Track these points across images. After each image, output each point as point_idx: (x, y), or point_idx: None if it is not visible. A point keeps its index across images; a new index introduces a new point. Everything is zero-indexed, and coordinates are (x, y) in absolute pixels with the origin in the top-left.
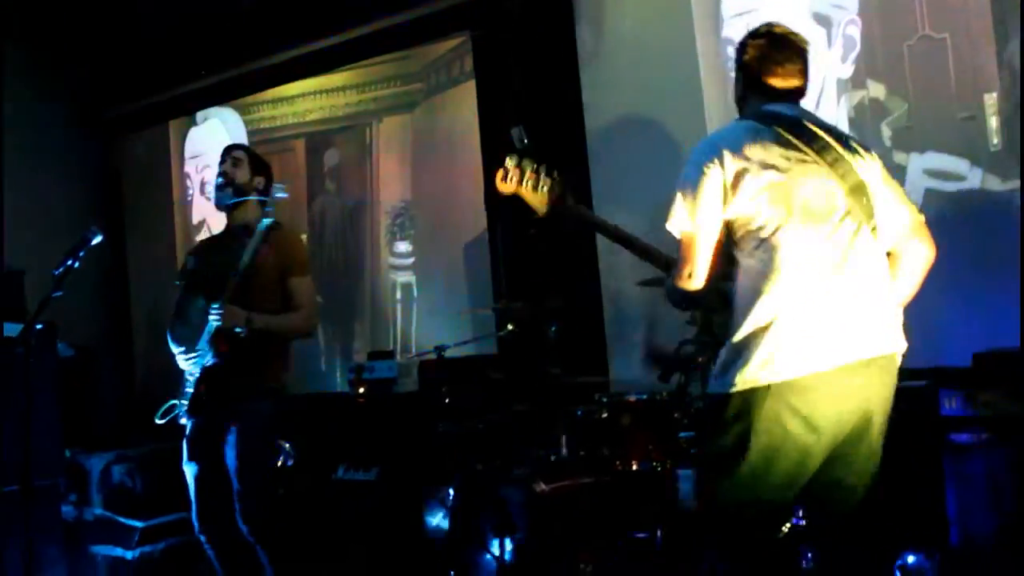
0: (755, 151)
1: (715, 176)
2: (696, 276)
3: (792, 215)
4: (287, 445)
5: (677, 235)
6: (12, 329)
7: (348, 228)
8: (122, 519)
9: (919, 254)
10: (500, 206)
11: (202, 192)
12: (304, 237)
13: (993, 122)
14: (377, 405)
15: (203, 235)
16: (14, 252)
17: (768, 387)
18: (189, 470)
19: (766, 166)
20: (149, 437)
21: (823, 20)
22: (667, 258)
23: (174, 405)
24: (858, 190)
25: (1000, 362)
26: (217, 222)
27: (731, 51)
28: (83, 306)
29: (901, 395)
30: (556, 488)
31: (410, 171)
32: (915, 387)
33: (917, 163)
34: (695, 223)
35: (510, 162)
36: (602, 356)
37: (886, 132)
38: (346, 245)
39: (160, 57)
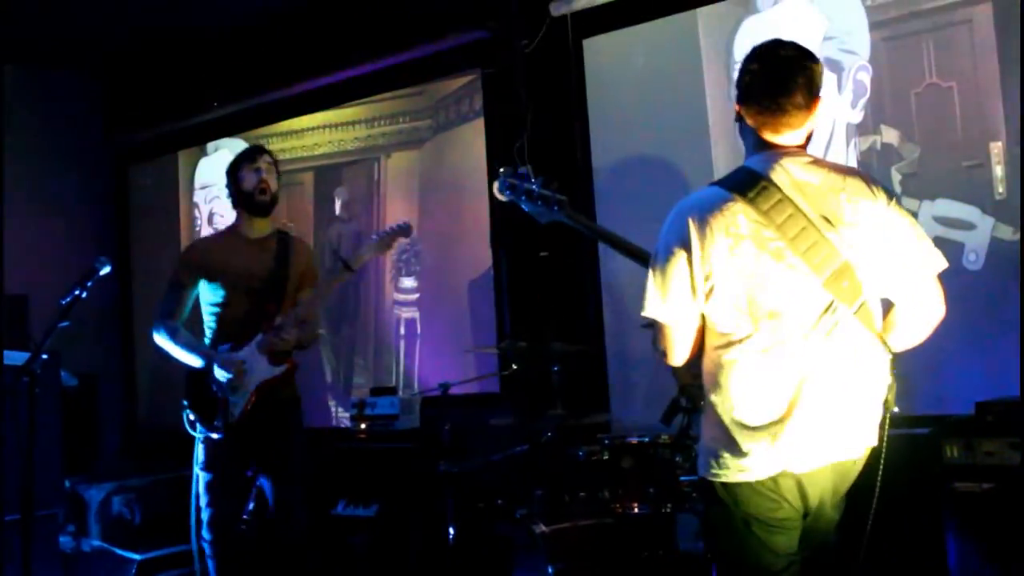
0: (723, 250)
1: (682, 269)
2: (673, 359)
3: (759, 327)
4: None
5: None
6: (16, 357)
7: None
8: (120, 551)
9: (925, 312)
10: (506, 245)
11: (210, 223)
12: None
13: (999, 171)
14: (378, 441)
15: None
16: (20, 278)
17: (739, 485)
18: (208, 474)
19: (735, 272)
20: (150, 468)
21: (834, 65)
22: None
23: (195, 422)
24: (840, 274)
25: (1003, 411)
26: None
27: None
28: (87, 334)
29: (903, 443)
30: (556, 529)
31: (417, 207)
32: (917, 435)
33: (927, 210)
34: (667, 312)
35: (511, 177)
36: (604, 397)
37: (896, 177)
38: (351, 279)
39: (172, 87)
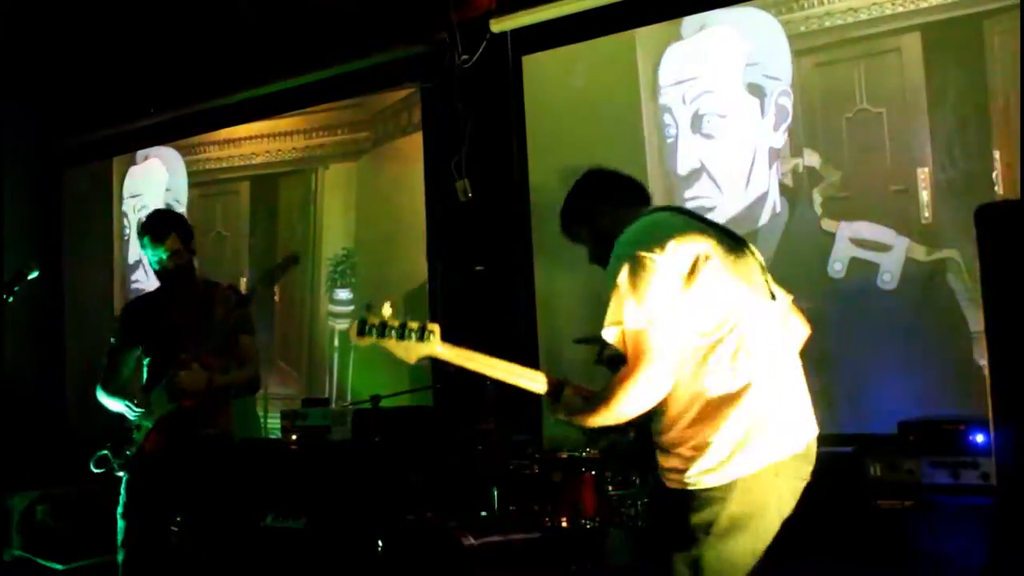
0: (694, 237)
1: (664, 263)
2: (659, 378)
3: (748, 299)
4: None
5: (614, 337)
6: None
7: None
8: (42, 561)
9: (799, 331)
10: (442, 258)
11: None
12: (243, 281)
13: (925, 196)
14: (309, 453)
15: (139, 274)
16: None
17: (735, 483)
18: (126, 521)
19: (712, 251)
20: (77, 477)
21: (756, 91)
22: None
23: (106, 457)
24: (764, 268)
25: (924, 430)
26: None
27: (668, 118)
28: (16, 340)
29: (827, 461)
30: (485, 542)
31: (354, 219)
32: (841, 453)
33: (845, 231)
34: (648, 318)
35: (371, 317)
36: (536, 411)
37: (817, 199)
38: (285, 290)
39: (109, 93)
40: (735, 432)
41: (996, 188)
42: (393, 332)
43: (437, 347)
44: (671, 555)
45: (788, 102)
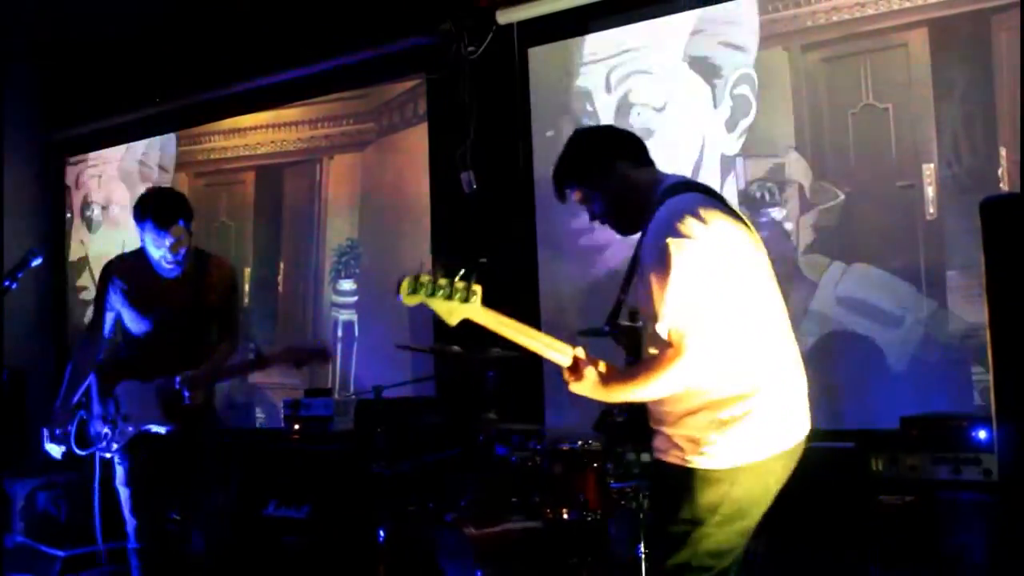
0: (735, 223)
1: (713, 247)
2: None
3: (762, 291)
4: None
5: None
6: None
7: (292, 263)
8: (43, 547)
9: None
10: (446, 250)
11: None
12: (247, 271)
13: (930, 191)
14: (312, 442)
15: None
16: None
17: (741, 468)
18: (127, 489)
19: (748, 240)
20: (78, 464)
21: (706, 69)
22: None
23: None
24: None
25: (926, 426)
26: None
27: (586, 106)
28: (19, 328)
29: (830, 456)
30: (485, 533)
31: (358, 210)
32: (844, 449)
33: (834, 282)
34: (694, 307)
35: (422, 275)
36: (539, 403)
37: (805, 230)
38: (289, 280)
39: (113, 81)
40: (747, 419)
41: (1002, 184)
42: (441, 292)
43: (478, 310)
44: (667, 530)
45: (750, 91)
